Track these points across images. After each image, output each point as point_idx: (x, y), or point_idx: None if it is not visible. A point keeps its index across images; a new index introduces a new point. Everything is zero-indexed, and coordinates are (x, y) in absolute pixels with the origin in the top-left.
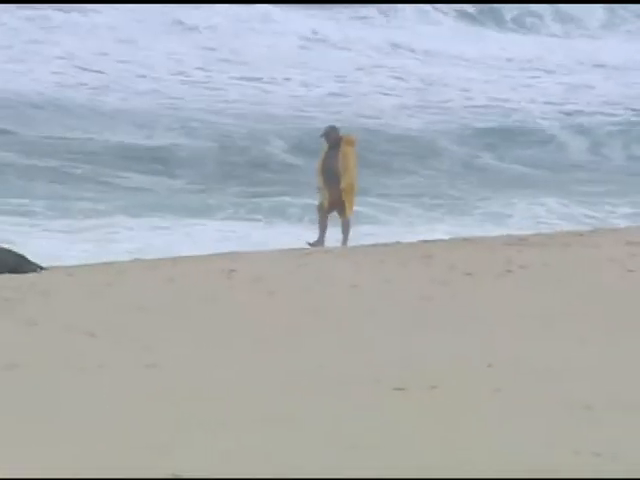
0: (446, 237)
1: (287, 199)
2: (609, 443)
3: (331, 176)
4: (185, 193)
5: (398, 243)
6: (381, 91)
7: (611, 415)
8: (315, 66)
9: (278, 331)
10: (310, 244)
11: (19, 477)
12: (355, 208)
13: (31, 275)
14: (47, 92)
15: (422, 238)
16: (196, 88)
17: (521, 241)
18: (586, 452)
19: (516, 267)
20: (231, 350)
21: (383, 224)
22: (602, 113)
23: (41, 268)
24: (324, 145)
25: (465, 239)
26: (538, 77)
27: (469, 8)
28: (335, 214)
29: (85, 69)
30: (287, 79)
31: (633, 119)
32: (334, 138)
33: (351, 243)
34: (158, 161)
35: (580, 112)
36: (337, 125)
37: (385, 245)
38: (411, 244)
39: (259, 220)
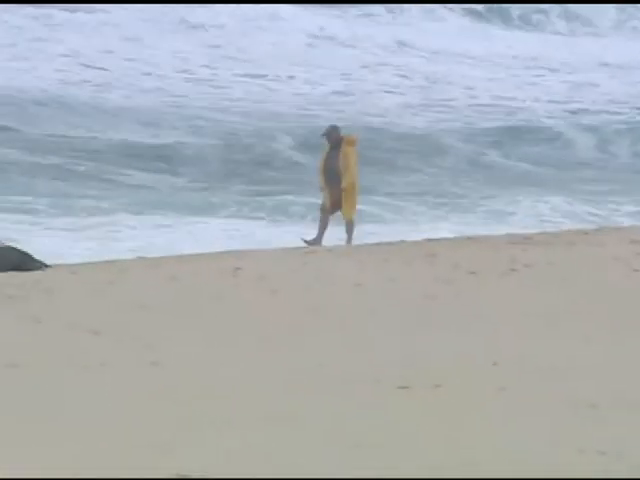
0: (450, 236)
1: (291, 197)
2: (614, 442)
3: (332, 176)
4: (188, 191)
5: (402, 242)
6: (386, 89)
7: (616, 414)
8: (320, 64)
9: (282, 329)
10: (306, 242)
11: (22, 477)
12: (359, 207)
13: (35, 273)
14: (51, 89)
15: (426, 236)
16: (201, 86)
17: (526, 240)
18: (591, 451)
19: (521, 266)
20: (235, 348)
21: (387, 223)
22: (607, 112)
23: (45, 266)
24: (325, 145)
25: (469, 238)
26: (543, 75)
27: (476, 6)
28: (340, 214)
29: (89, 67)
30: (291, 77)
31: (638, 117)
32: (335, 138)
33: (355, 242)
34: (162, 159)
35: (585, 110)
36: (339, 124)
37: (389, 244)
38: (415, 243)
39: (262, 218)
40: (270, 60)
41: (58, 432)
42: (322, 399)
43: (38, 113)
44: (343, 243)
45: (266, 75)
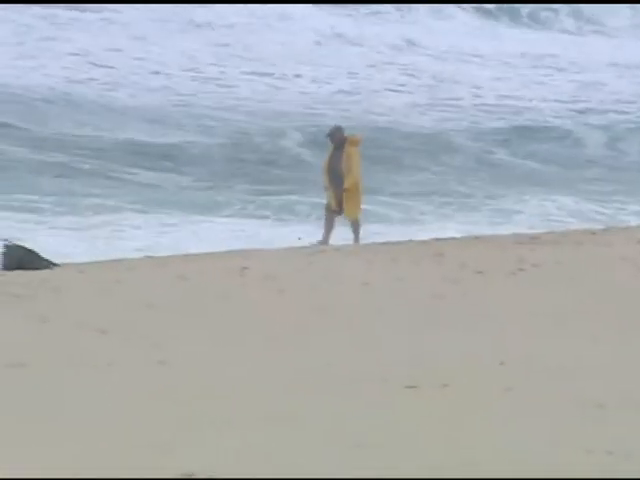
0: (457, 235)
1: (296, 196)
2: (622, 442)
3: (336, 176)
4: (194, 190)
5: (410, 241)
6: (393, 88)
7: (623, 413)
8: (328, 63)
9: (289, 329)
10: (301, 240)
11: (26, 477)
12: (365, 207)
13: (42, 272)
14: (58, 88)
15: (433, 236)
16: (208, 85)
17: (533, 239)
18: (599, 451)
19: (528, 265)
20: (241, 348)
21: (394, 222)
22: (615, 111)
23: (52, 264)
24: (329, 145)
25: (477, 237)
26: (551, 75)
27: (488, 6)
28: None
29: (97, 65)
30: (298, 75)
31: None
32: (339, 138)
33: (362, 241)
34: (168, 157)
35: (593, 110)
36: (345, 123)
37: (397, 243)
38: (423, 242)
39: (268, 217)
40: (277, 59)
41: (65, 431)
42: (328, 399)
43: (45, 111)
44: (350, 243)
45: (273, 74)
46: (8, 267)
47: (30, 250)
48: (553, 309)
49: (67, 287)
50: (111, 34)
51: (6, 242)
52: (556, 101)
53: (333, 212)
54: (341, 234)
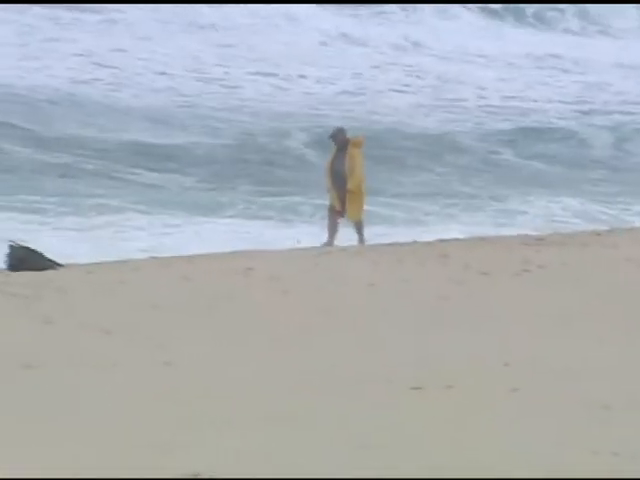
0: (461, 236)
1: (300, 197)
2: (627, 443)
3: (339, 178)
4: (198, 191)
5: (415, 242)
6: (397, 89)
7: (629, 415)
8: (332, 63)
9: (294, 330)
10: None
11: (32, 477)
12: (370, 208)
13: (47, 272)
14: (63, 88)
15: (438, 237)
16: (212, 85)
17: (538, 241)
18: (604, 452)
19: (534, 267)
20: (246, 348)
21: (398, 223)
22: (620, 112)
23: (58, 265)
24: (332, 146)
25: (482, 238)
26: (556, 75)
27: (493, 6)
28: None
29: (101, 66)
30: (302, 76)
31: None
32: (341, 140)
33: (367, 243)
34: (172, 158)
35: (598, 111)
36: (349, 124)
37: (402, 244)
38: (428, 243)
39: (271, 218)
40: (282, 59)
41: (69, 432)
42: (333, 400)
43: (49, 112)
44: (355, 244)
45: (277, 74)
46: (13, 268)
47: (35, 251)
48: (558, 310)
49: (72, 288)
50: (115, 35)
51: (11, 243)
52: (561, 102)
53: (336, 213)
54: (346, 235)
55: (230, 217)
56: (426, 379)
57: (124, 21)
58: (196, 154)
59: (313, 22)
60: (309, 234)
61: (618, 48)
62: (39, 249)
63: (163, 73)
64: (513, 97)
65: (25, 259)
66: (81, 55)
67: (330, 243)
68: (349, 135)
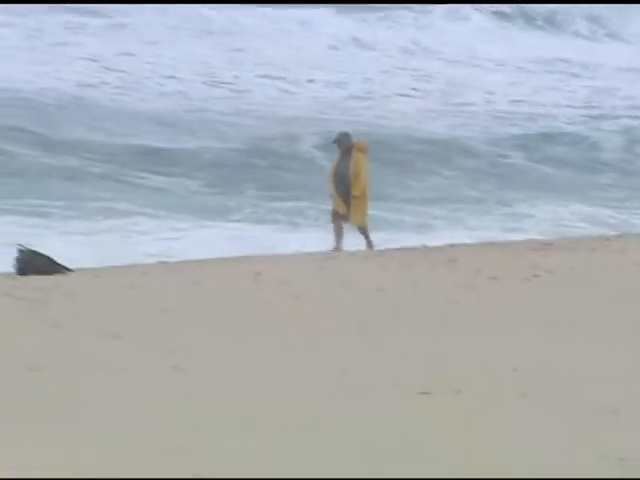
0: (469, 240)
1: (308, 201)
2: (635, 447)
3: (343, 182)
4: (205, 195)
5: (424, 247)
6: (405, 93)
7: (637, 419)
8: (340, 67)
9: (303, 334)
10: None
11: (43, 477)
12: (378, 213)
13: (56, 276)
14: (70, 92)
15: (446, 241)
16: (220, 89)
17: (547, 246)
18: (612, 456)
19: (542, 272)
20: (255, 353)
21: (406, 228)
22: (629, 116)
23: (67, 269)
24: (337, 151)
25: (490, 243)
26: (565, 80)
27: (503, 8)
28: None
29: (109, 70)
30: (311, 80)
31: None
32: (346, 144)
33: (376, 247)
34: (179, 162)
35: (606, 115)
36: (357, 128)
37: (411, 249)
38: (437, 248)
39: (279, 222)
40: (290, 64)
41: (77, 435)
42: (342, 404)
43: (57, 115)
44: (363, 249)
45: (285, 78)
46: (22, 272)
47: (43, 255)
48: (567, 315)
49: (81, 292)
50: (123, 39)
51: (20, 247)
52: (570, 107)
53: (340, 218)
54: (354, 240)
55: (237, 221)
56: (435, 384)
57: (132, 25)
58: (204, 158)
59: (322, 26)
60: (316, 238)
61: (629, 53)
62: (47, 253)
63: (171, 77)
64: (522, 101)
65: (34, 263)
66: (89, 59)
67: (338, 248)
68: (355, 139)
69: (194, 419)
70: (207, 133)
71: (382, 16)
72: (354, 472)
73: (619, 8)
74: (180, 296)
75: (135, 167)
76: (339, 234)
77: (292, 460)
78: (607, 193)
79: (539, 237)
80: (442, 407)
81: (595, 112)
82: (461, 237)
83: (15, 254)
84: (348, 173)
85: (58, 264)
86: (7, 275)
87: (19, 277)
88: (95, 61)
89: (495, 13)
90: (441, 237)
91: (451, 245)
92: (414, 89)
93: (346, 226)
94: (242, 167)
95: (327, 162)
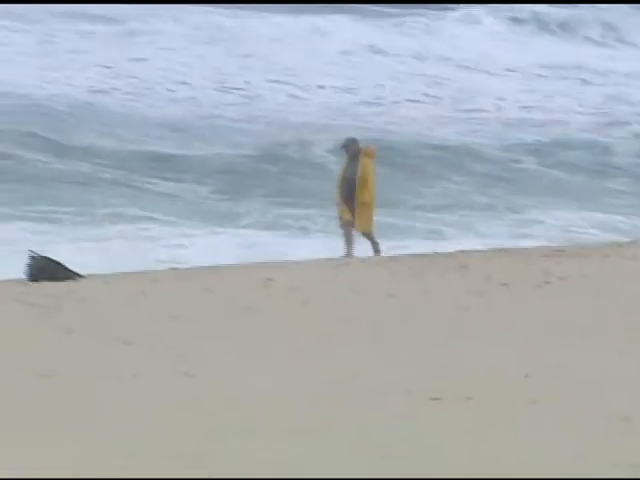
0: (481, 247)
1: (317, 208)
2: None
3: (351, 187)
4: (215, 201)
5: (435, 253)
6: (416, 99)
7: None
8: (351, 73)
9: (314, 340)
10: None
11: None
12: (390, 220)
13: (68, 283)
14: (82, 98)
15: (456, 248)
16: (231, 95)
17: (558, 252)
18: (624, 463)
19: (554, 278)
20: (266, 359)
21: (417, 234)
22: None
23: (78, 276)
24: (344, 157)
25: (501, 250)
26: (578, 86)
27: (516, 13)
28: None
29: (121, 76)
30: (322, 86)
31: None
32: (353, 150)
33: (386, 254)
34: (190, 168)
35: (619, 122)
36: (367, 135)
37: (422, 255)
38: (448, 254)
39: (287, 228)
40: (301, 70)
41: (89, 441)
42: (353, 410)
43: (69, 121)
44: (372, 253)
45: (297, 84)
46: (34, 278)
47: (56, 261)
48: (579, 322)
49: (92, 298)
50: (135, 45)
51: (32, 253)
52: (582, 113)
53: (347, 224)
54: (365, 246)
55: (247, 227)
56: (445, 390)
57: (144, 32)
58: (214, 164)
59: (334, 32)
60: (326, 245)
61: None
62: (57, 259)
63: (182, 83)
64: (533, 107)
65: (45, 269)
66: (101, 65)
67: (349, 254)
68: (362, 145)
69: (205, 425)
70: (218, 139)
71: (396, 22)
72: (366, 478)
73: (630, 13)
74: (191, 302)
75: (145, 173)
76: (350, 240)
77: (303, 466)
78: (619, 199)
79: (550, 243)
80: (453, 413)
81: (607, 118)
82: (472, 243)
83: (26, 260)
84: (355, 177)
85: (70, 270)
86: (18, 281)
87: (30, 283)
88: (107, 67)
89: (508, 18)
90: (452, 243)
91: (462, 251)
92: (425, 95)
93: (355, 232)
94: (253, 173)
95: (338, 168)
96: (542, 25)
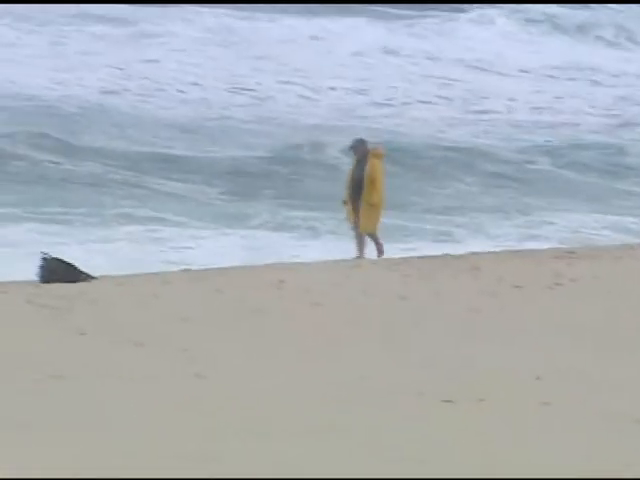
0: (493, 248)
1: (328, 210)
2: None
3: (359, 188)
4: (225, 202)
5: (446, 255)
6: (428, 100)
7: None
8: (363, 75)
9: (326, 342)
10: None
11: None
12: (401, 222)
13: (80, 284)
14: (93, 99)
15: (469, 250)
16: (242, 97)
17: (570, 254)
18: (636, 465)
19: (566, 280)
20: (278, 361)
21: (428, 236)
22: None
23: (90, 277)
24: (353, 158)
25: (513, 251)
26: (589, 87)
27: (529, 13)
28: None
29: (132, 77)
30: (333, 88)
31: None
32: (362, 151)
33: (397, 256)
34: (200, 169)
35: (630, 122)
36: (378, 136)
37: (433, 257)
38: (460, 256)
39: (297, 229)
40: (313, 71)
41: (103, 442)
42: (365, 412)
43: (79, 122)
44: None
45: (308, 86)
46: (46, 280)
47: (68, 263)
48: (590, 323)
49: (104, 300)
50: (147, 47)
51: (44, 255)
52: (594, 114)
53: (355, 225)
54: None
55: (257, 228)
56: (457, 392)
57: (156, 33)
58: (225, 165)
59: (347, 34)
60: (336, 247)
61: None
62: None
63: (194, 84)
64: (545, 108)
65: (57, 271)
66: (112, 66)
67: (360, 256)
68: (371, 145)
69: (216, 427)
70: (228, 140)
71: (408, 23)
72: (375, 479)
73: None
74: (202, 304)
75: (156, 174)
76: (361, 242)
77: (313, 467)
78: (630, 201)
79: (561, 245)
80: (465, 415)
81: (618, 120)
82: (482, 245)
83: (38, 262)
84: (364, 179)
85: (81, 272)
86: (30, 283)
87: (42, 285)
88: (118, 69)
89: (522, 19)
90: (463, 245)
91: (473, 253)
92: (437, 96)
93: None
94: (263, 174)
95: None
96: (555, 26)
